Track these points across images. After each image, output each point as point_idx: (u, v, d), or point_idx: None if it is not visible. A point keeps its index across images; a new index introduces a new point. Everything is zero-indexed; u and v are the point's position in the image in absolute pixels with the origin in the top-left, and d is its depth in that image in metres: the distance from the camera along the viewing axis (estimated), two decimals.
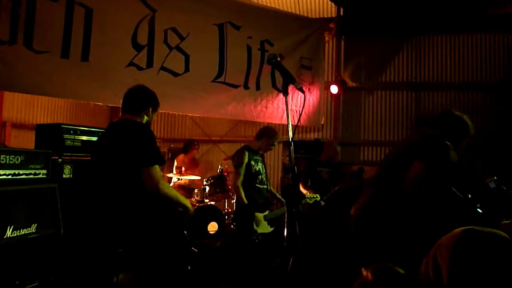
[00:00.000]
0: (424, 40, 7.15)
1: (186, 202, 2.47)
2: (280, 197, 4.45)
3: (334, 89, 6.79)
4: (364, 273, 1.02)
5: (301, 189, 4.88)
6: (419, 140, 2.86)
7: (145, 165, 2.25)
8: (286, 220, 1.78)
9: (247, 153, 4.18)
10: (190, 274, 2.30)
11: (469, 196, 3.04)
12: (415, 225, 2.53)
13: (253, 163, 4.19)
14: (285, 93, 2.11)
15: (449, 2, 6.32)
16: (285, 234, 1.84)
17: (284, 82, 2.10)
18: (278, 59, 2.16)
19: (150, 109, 2.56)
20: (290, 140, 2.02)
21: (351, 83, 7.26)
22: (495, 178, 4.56)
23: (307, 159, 5.41)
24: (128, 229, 2.33)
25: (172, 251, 2.36)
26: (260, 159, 4.34)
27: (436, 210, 2.71)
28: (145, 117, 2.53)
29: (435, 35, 7.09)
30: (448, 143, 2.59)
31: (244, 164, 4.12)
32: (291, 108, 6.56)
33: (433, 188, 2.63)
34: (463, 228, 0.98)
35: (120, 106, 2.56)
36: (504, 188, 3.82)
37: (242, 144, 4.45)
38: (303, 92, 2.21)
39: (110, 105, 5.64)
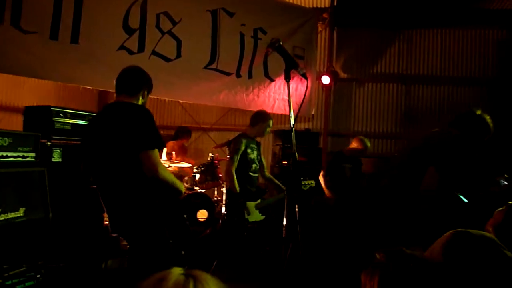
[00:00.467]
0: (415, 34, 7.18)
1: (182, 187, 2.44)
2: (279, 183, 4.44)
3: (325, 79, 6.78)
4: (378, 256, 1.04)
5: (322, 185, 4.76)
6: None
7: (145, 148, 2.19)
8: (285, 207, 1.77)
9: (244, 141, 4.15)
10: (183, 259, 2.28)
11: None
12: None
13: (249, 151, 4.17)
14: (287, 78, 2.09)
15: None
16: (284, 222, 1.84)
17: (287, 67, 2.08)
18: (281, 43, 2.13)
19: (146, 91, 2.50)
20: (292, 126, 2.01)
21: (342, 74, 7.27)
22: (506, 176, 4.65)
23: (333, 153, 5.24)
24: (127, 213, 2.29)
25: (169, 236, 2.33)
26: (256, 147, 4.32)
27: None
28: (141, 99, 2.47)
29: (427, 29, 7.12)
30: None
31: (240, 152, 4.09)
32: (282, 98, 6.54)
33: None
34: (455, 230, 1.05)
35: (110, 90, 2.50)
36: None
37: (232, 133, 4.43)
38: (305, 78, 2.19)
39: (100, 89, 5.53)
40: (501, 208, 1.61)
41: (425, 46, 7.15)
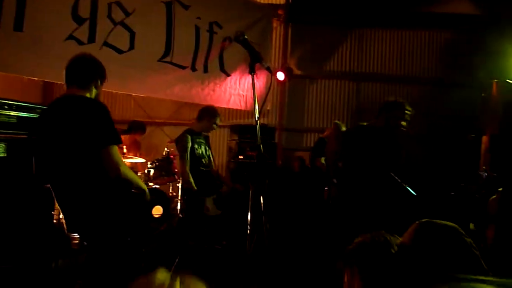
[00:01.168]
0: (366, 33, 7.44)
1: (144, 186, 2.37)
2: (224, 179, 4.44)
3: (280, 75, 6.87)
4: (360, 239, 1.09)
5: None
6: None
7: (105, 145, 2.09)
8: (250, 200, 1.78)
9: (189, 137, 4.09)
10: (144, 256, 2.23)
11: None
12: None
13: (196, 146, 4.12)
14: (252, 71, 2.09)
15: None
16: (249, 216, 1.84)
17: (251, 60, 2.08)
18: (246, 37, 2.13)
19: (99, 81, 2.36)
20: (257, 119, 2.01)
21: (296, 71, 7.39)
22: (484, 168, 5.02)
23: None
24: (86, 212, 2.19)
25: (129, 234, 2.26)
26: (203, 141, 4.28)
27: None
28: (94, 90, 2.34)
29: (377, 28, 7.41)
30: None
31: (189, 149, 4.04)
32: (238, 93, 6.55)
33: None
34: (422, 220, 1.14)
35: (57, 81, 2.36)
36: (495, 175, 4.14)
37: (186, 127, 4.35)
38: (270, 71, 2.21)
39: (46, 80, 5.24)
40: (493, 196, 1.75)
41: (376, 45, 7.44)
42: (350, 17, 7.16)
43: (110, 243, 2.14)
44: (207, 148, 4.32)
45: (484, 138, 5.27)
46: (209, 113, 4.23)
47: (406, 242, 1.10)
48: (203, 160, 4.17)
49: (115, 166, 2.10)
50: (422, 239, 1.09)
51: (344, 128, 4.86)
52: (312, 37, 7.40)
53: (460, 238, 1.07)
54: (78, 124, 2.12)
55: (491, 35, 5.85)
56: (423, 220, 1.15)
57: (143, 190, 2.33)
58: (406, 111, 3.47)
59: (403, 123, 3.50)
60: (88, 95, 2.30)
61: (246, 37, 2.14)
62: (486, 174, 4.81)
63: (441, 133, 6.75)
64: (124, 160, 5.45)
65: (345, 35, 7.44)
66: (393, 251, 1.09)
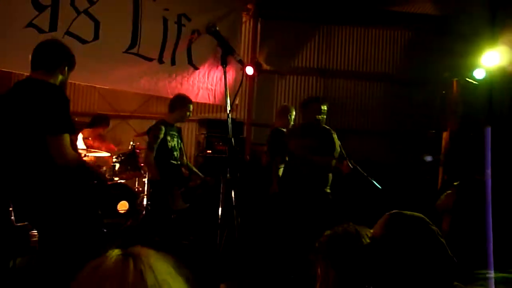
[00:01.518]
0: (334, 30, 7.55)
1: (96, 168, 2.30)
2: (197, 171, 4.40)
3: (249, 70, 6.84)
4: (331, 231, 1.10)
5: None
6: None
7: (53, 132, 2.02)
8: (221, 194, 1.76)
9: (163, 128, 4.02)
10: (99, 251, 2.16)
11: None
12: None
13: (169, 138, 4.06)
14: (224, 64, 2.06)
15: None
16: (220, 210, 1.82)
17: (223, 52, 2.06)
18: (217, 28, 2.10)
19: (66, 67, 2.28)
20: (228, 112, 2.00)
21: (265, 66, 7.39)
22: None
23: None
24: (34, 204, 2.10)
25: (82, 230, 2.19)
26: (176, 134, 4.22)
27: None
28: (60, 76, 2.26)
29: (344, 26, 7.53)
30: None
31: (159, 140, 3.97)
32: (206, 87, 6.49)
33: None
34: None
35: (15, 70, 2.27)
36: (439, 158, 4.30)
37: (154, 121, 4.27)
38: (242, 64, 2.20)
39: (3, 69, 4.98)
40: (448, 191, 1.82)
41: (343, 42, 7.57)
42: (318, 14, 7.24)
43: (58, 233, 2.08)
44: (180, 141, 4.26)
45: (445, 134, 5.48)
46: (180, 102, 4.16)
47: (378, 233, 1.13)
48: (174, 153, 4.12)
49: (62, 154, 2.03)
50: (393, 230, 1.12)
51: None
52: (281, 32, 7.42)
53: (427, 227, 1.11)
54: (30, 108, 2.05)
55: (451, 34, 6.09)
56: (393, 211, 1.18)
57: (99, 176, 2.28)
58: (322, 106, 3.92)
59: (319, 117, 3.93)
60: (52, 80, 2.21)
61: (217, 28, 2.12)
62: (431, 158, 5.09)
63: (404, 129, 6.98)
64: (89, 154, 5.30)
65: (313, 31, 7.51)
66: (364, 242, 1.11)
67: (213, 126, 6.15)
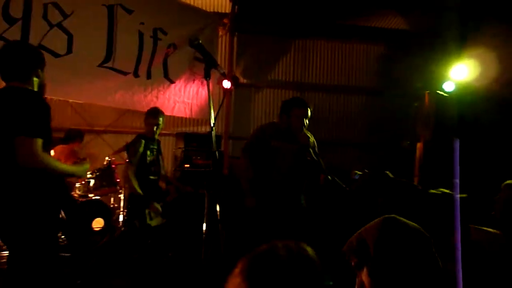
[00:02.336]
0: (309, 44, 7.69)
1: (74, 168, 2.22)
2: (176, 183, 4.36)
3: (226, 84, 6.86)
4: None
5: None
6: None
7: (22, 133, 1.93)
8: (206, 207, 1.73)
9: (143, 142, 3.97)
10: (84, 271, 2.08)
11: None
12: None
13: (148, 152, 4.01)
14: (207, 76, 2.05)
15: (328, 11, 6.92)
16: (204, 225, 1.78)
17: (206, 65, 2.04)
18: (201, 41, 2.09)
19: (39, 69, 2.19)
20: (212, 125, 1.98)
21: (242, 79, 7.43)
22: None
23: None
24: (7, 213, 2.01)
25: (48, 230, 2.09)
26: (156, 147, 4.17)
27: None
28: (35, 79, 2.16)
29: (319, 40, 7.69)
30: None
31: (140, 154, 3.91)
32: (183, 101, 6.44)
33: None
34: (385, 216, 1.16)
35: None
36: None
37: (129, 136, 4.22)
38: (225, 75, 2.18)
39: None
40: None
41: (318, 56, 7.71)
42: (293, 28, 7.37)
43: (31, 249, 1.99)
44: (159, 155, 4.22)
45: (419, 145, 5.62)
46: (149, 114, 4.13)
47: (372, 236, 1.12)
48: (152, 168, 4.06)
49: (28, 156, 1.93)
50: (388, 234, 1.11)
51: None
52: (257, 46, 7.50)
53: (423, 235, 1.11)
54: (9, 114, 1.98)
55: (423, 48, 6.29)
56: (388, 216, 1.17)
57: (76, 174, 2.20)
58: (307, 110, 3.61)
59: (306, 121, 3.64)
60: (30, 87, 2.13)
61: (200, 41, 2.11)
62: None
63: (379, 141, 7.12)
64: None
65: (289, 45, 7.63)
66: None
67: (190, 140, 6.10)
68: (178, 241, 4.05)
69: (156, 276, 3.75)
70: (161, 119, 4.14)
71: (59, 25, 4.77)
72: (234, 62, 7.32)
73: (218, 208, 1.83)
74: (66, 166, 2.20)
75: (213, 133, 1.99)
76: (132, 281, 3.64)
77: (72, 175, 2.21)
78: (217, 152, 1.97)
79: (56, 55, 4.75)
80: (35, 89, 2.18)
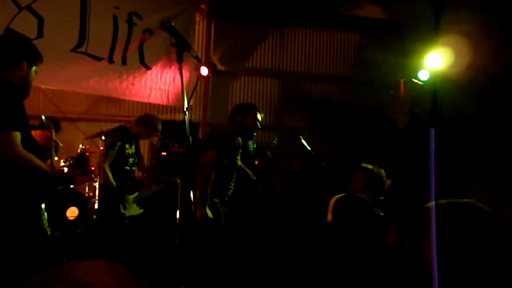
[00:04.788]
0: (287, 31, 7.65)
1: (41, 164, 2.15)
2: (155, 173, 4.32)
3: (204, 70, 6.77)
4: None
5: None
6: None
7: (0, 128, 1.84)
8: (179, 194, 1.69)
9: (122, 136, 3.91)
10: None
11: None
12: None
13: (127, 145, 3.97)
14: (179, 59, 2.00)
15: None
16: (178, 213, 1.75)
17: (179, 48, 2.00)
18: (172, 23, 2.03)
19: (24, 63, 2.07)
20: (185, 110, 1.94)
21: (220, 66, 7.34)
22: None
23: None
24: None
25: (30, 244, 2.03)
26: (135, 140, 4.13)
27: None
28: (19, 73, 2.05)
29: (297, 27, 7.66)
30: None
31: (117, 146, 3.85)
32: (159, 87, 6.33)
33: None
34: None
35: None
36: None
37: (105, 123, 4.15)
38: (199, 60, 2.14)
39: None
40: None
41: (296, 43, 7.69)
42: (271, 15, 7.31)
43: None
44: (138, 148, 4.17)
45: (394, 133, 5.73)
46: (148, 122, 4.14)
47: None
48: (130, 159, 4.03)
49: (11, 150, 1.86)
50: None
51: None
52: (235, 33, 7.41)
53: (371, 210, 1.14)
54: None
55: (399, 37, 6.37)
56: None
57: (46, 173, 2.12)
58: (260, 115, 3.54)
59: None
60: (7, 78, 2.03)
61: (173, 24, 2.05)
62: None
63: (356, 128, 7.21)
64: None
65: (267, 32, 7.57)
66: None
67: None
68: (155, 229, 4.02)
69: (131, 264, 3.72)
70: (159, 126, 4.27)
71: (29, 8, 4.60)
72: (211, 48, 7.23)
73: (192, 193, 1.81)
74: (42, 165, 2.10)
75: (186, 117, 1.96)
76: None
77: (44, 174, 2.11)
78: (191, 138, 1.93)
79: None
80: (16, 81, 2.06)
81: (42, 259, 2.00)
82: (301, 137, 4.34)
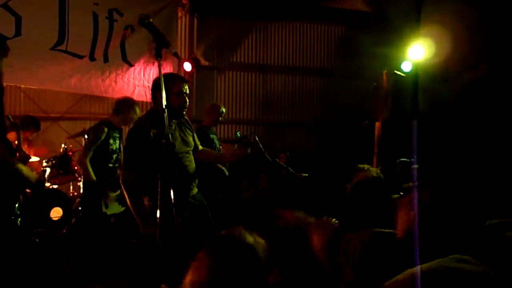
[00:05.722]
0: (270, 25, 7.65)
1: (29, 173, 2.13)
2: None
3: (187, 66, 6.73)
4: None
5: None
6: None
7: None
8: (159, 192, 1.69)
9: (106, 130, 3.88)
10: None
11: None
12: None
13: (111, 141, 3.93)
14: (158, 56, 1.99)
15: None
16: (158, 209, 1.75)
17: (157, 45, 1.98)
18: (151, 20, 2.01)
19: None
20: (164, 107, 1.93)
21: (203, 62, 7.31)
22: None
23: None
24: None
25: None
26: (118, 135, 4.09)
27: None
28: None
29: (280, 21, 7.66)
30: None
31: (99, 142, 3.82)
32: (143, 84, 6.28)
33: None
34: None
35: None
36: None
37: (88, 122, 4.11)
38: (178, 57, 2.13)
39: None
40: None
41: (279, 37, 7.69)
42: (253, 10, 7.29)
43: None
44: (121, 143, 4.14)
45: (377, 124, 5.77)
46: (127, 104, 4.08)
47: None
48: (114, 155, 3.99)
49: None
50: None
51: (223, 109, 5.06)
52: (218, 28, 7.37)
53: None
54: None
55: (382, 29, 6.41)
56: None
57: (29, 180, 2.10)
58: None
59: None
60: None
61: (151, 20, 2.03)
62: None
63: (340, 121, 7.27)
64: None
65: (250, 27, 7.56)
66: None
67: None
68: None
69: (117, 264, 3.70)
70: (138, 109, 4.15)
71: (5, 6, 4.51)
72: (194, 44, 7.19)
73: (172, 192, 1.81)
74: (21, 166, 2.07)
75: (165, 115, 1.95)
76: (92, 270, 3.57)
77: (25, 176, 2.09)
78: (170, 135, 1.93)
79: (3, 38, 4.48)
80: None
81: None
82: (257, 139, 4.37)
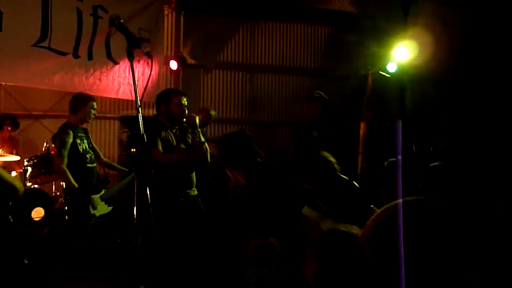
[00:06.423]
0: (258, 25, 7.65)
1: (14, 180, 2.09)
2: (120, 167, 4.23)
3: (173, 64, 6.68)
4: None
5: None
6: None
7: None
8: (136, 192, 1.68)
9: (71, 132, 3.79)
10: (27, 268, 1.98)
11: None
12: None
13: (78, 141, 3.84)
14: (130, 57, 1.97)
15: None
16: (135, 208, 1.74)
17: (129, 45, 1.96)
18: (121, 21, 1.98)
19: None
20: (138, 107, 1.91)
21: (190, 60, 7.27)
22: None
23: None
24: None
25: None
26: (84, 135, 4.02)
27: None
28: None
29: (268, 21, 7.66)
30: None
31: (69, 144, 3.74)
32: (128, 82, 6.20)
33: None
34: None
35: None
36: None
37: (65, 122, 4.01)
38: (150, 56, 2.11)
39: None
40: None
41: (266, 37, 7.70)
42: (240, 9, 7.27)
43: None
44: (90, 142, 4.05)
45: (362, 125, 5.82)
46: (80, 101, 3.97)
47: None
48: (88, 155, 3.91)
49: None
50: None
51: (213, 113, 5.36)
52: (205, 26, 7.35)
53: None
54: None
55: (367, 30, 6.45)
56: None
57: (14, 187, 2.06)
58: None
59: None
60: None
61: (121, 21, 2.01)
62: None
63: (327, 120, 7.29)
64: None
65: (237, 25, 7.55)
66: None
67: (136, 123, 5.89)
68: (125, 227, 3.95)
69: (100, 264, 3.66)
70: (95, 104, 4.01)
71: None
72: (181, 42, 7.14)
73: (148, 192, 1.79)
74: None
75: (140, 115, 1.94)
76: (80, 271, 3.52)
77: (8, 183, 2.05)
78: (145, 135, 1.91)
79: None
80: None
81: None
82: None
